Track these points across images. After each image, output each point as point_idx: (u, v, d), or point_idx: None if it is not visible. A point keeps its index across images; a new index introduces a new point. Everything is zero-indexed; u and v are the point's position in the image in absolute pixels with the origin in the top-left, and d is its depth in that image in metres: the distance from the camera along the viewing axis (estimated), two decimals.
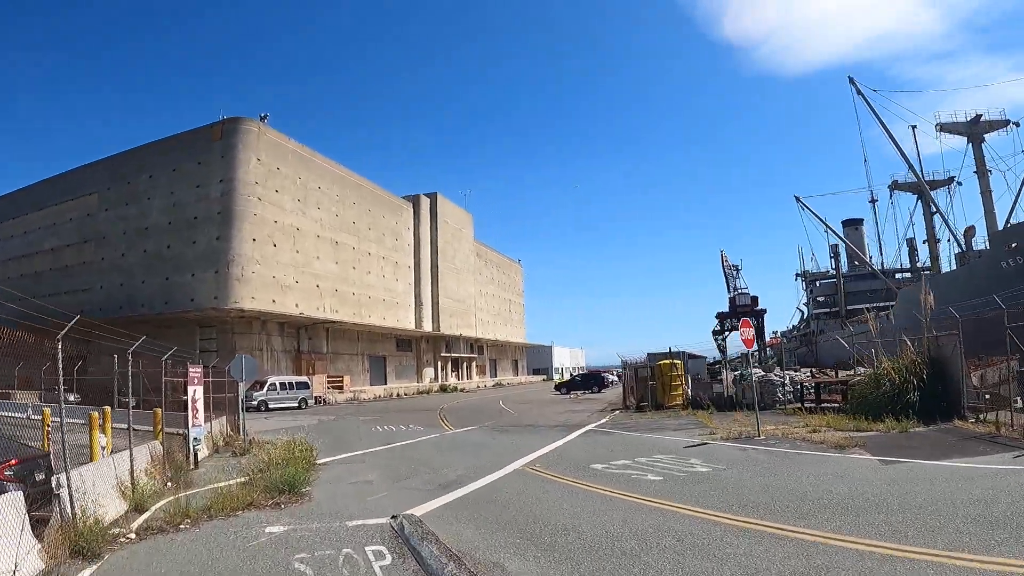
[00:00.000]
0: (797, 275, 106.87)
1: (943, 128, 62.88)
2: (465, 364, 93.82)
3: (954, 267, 63.18)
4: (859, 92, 74.61)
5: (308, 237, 61.50)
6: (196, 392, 17.99)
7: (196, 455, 17.20)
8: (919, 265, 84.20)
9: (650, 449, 18.22)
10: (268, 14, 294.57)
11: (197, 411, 17.93)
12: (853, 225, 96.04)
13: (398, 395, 66.66)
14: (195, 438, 17.30)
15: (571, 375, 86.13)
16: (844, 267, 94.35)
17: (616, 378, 65.69)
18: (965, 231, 64.89)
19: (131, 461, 12.55)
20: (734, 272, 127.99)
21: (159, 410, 17.08)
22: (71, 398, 49.53)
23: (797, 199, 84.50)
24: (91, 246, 62.03)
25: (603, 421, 28.66)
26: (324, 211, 64.40)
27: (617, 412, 33.91)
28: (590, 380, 64.11)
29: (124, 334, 15.31)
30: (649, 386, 34.43)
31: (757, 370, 33.08)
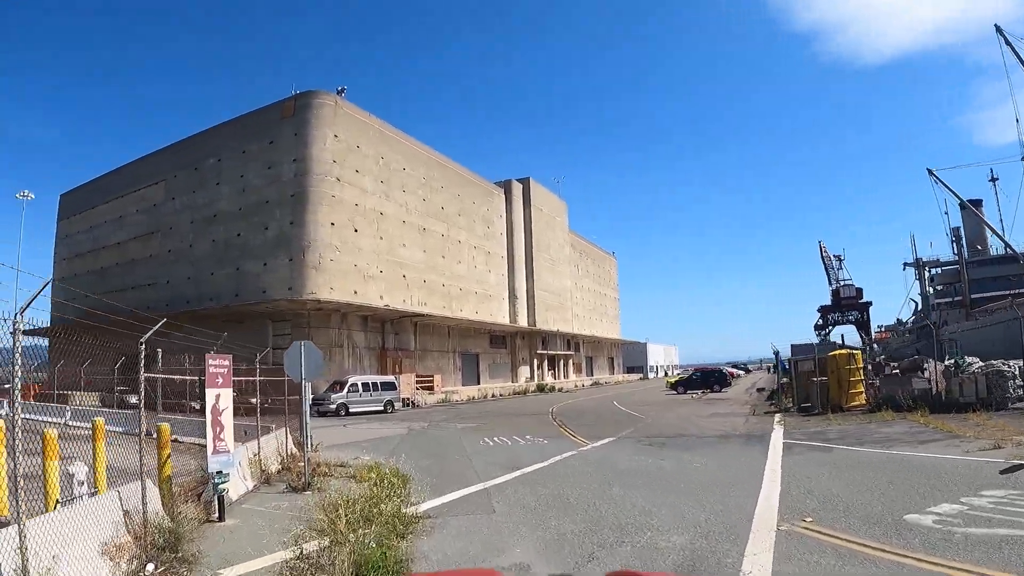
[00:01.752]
0: (906, 264, 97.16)
1: None
2: (561, 362, 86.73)
3: None
4: (1007, 42, 65.02)
5: (393, 222, 55.39)
6: (221, 398, 11.31)
7: (221, 500, 10.48)
8: None
9: (944, 477, 11.74)
10: None
11: (222, 429, 11.13)
12: (972, 206, 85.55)
13: (493, 396, 60.02)
14: (218, 472, 10.49)
15: (684, 373, 78.12)
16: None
17: (743, 373, 58.27)
18: None
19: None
20: (836, 263, 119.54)
21: (165, 427, 10.69)
22: (132, 400, 46.04)
23: (930, 172, 74.85)
24: (157, 238, 57.58)
25: (777, 430, 21.74)
26: (410, 194, 58.24)
27: (776, 416, 27.04)
28: (711, 378, 55.99)
29: (190, 330, 14.31)
30: (816, 383, 27.14)
31: (974, 359, 25.28)
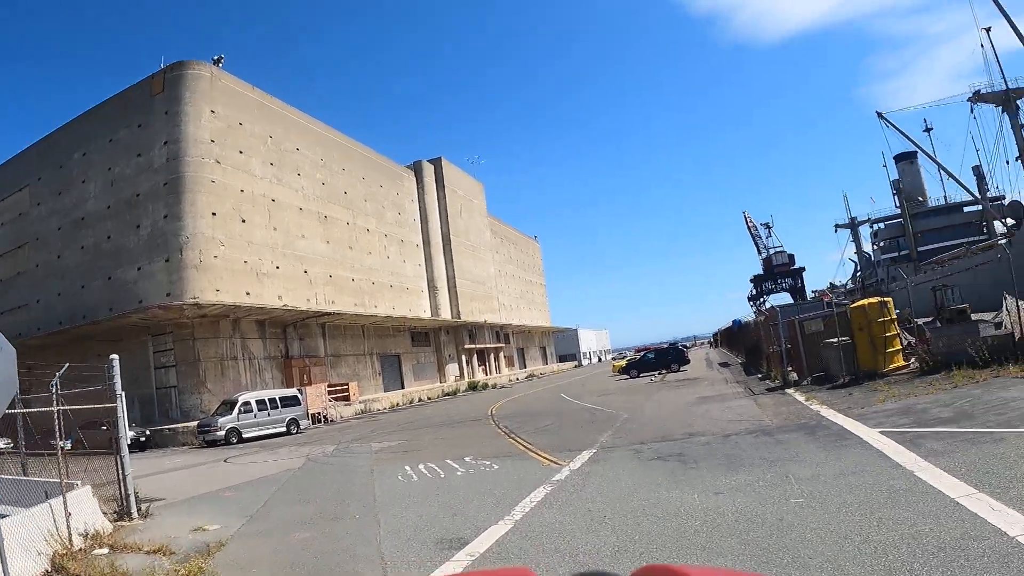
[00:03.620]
0: (838, 226, 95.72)
1: None
2: (492, 356, 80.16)
3: None
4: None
5: (288, 211, 48.14)
6: None
7: None
8: (993, 194, 71.50)
9: None
10: None
11: None
12: (906, 160, 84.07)
13: (420, 400, 53.23)
14: None
15: (631, 355, 72.51)
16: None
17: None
18: None
19: None
20: (764, 231, 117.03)
21: None
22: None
23: (879, 115, 71.80)
24: (25, 251, 49.33)
25: (830, 413, 15.71)
26: (306, 178, 51.03)
27: (794, 393, 21.18)
28: (667, 356, 49.82)
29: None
30: (836, 347, 21.29)
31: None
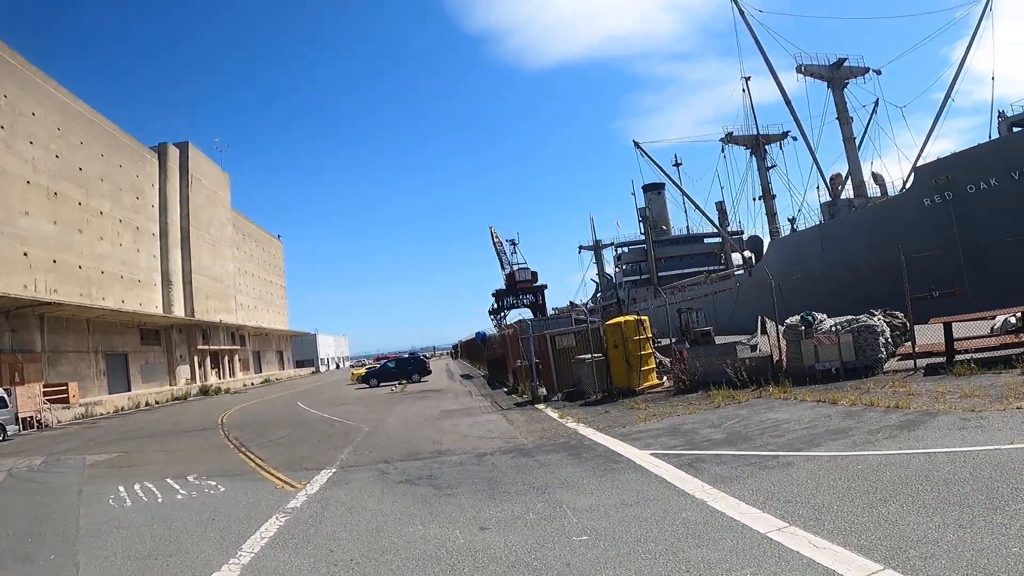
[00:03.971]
0: (582, 247, 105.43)
1: (805, 71, 56.62)
2: (227, 358, 75.02)
3: (817, 220, 58.17)
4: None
5: (14, 182, 42.08)
6: None
7: None
8: (733, 228, 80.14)
9: None
10: None
11: None
12: (655, 190, 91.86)
13: (148, 404, 48.42)
14: None
15: (370, 364, 70.92)
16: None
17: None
18: (832, 178, 60.25)
19: None
20: (510, 248, 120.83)
21: None
22: None
23: (636, 144, 76.95)
24: None
25: (592, 433, 15.32)
26: (39, 148, 44.95)
27: (546, 409, 20.92)
28: (407, 366, 49.04)
29: None
30: (588, 364, 21.52)
31: (822, 315, 20.62)
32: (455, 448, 15.06)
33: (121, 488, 13.53)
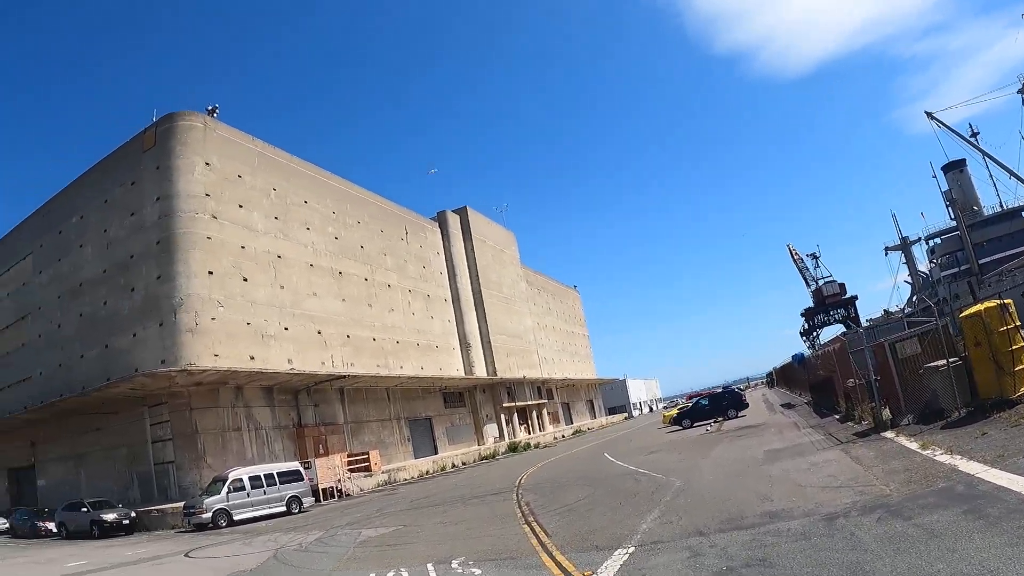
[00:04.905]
0: (888, 248, 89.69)
1: None
2: (534, 413, 75.05)
3: None
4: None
5: (296, 267, 44.46)
6: None
7: None
8: None
9: None
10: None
11: None
12: (956, 168, 78.49)
13: (453, 466, 48.65)
14: None
15: (682, 403, 67.33)
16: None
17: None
18: None
19: None
20: (811, 263, 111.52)
21: None
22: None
23: (929, 115, 66.84)
24: (28, 322, 46.61)
25: (964, 468, 10.81)
26: (316, 232, 47.45)
27: (895, 437, 16.30)
28: (722, 402, 44.67)
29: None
30: (944, 372, 16.30)
31: None
32: (791, 507, 11.22)
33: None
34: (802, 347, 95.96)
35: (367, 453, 42.74)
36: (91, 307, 41.03)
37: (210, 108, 41.59)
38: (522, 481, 26.97)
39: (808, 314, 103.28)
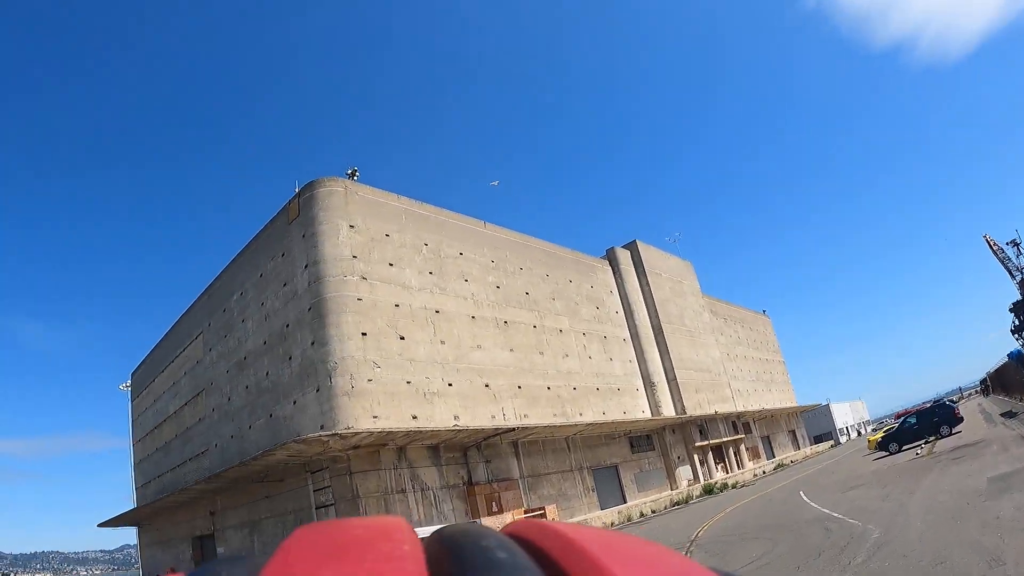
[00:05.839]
0: None
1: None
2: (731, 450, 69.66)
3: None
4: None
5: (457, 321, 43.11)
6: None
7: None
8: None
9: None
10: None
11: None
12: None
13: (641, 515, 45.26)
14: None
15: (889, 424, 60.88)
16: None
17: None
18: None
19: None
20: (1012, 251, 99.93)
21: None
22: None
23: None
24: (203, 397, 48.97)
25: None
26: (476, 283, 46.11)
27: None
28: (933, 418, 38.86)
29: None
30: None
31: None
32: None
33: None
34: (1016, 345, 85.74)
35: (543, 508, 40.26)
36: (255, 378, 41.85)
37: (350, 171, 41.50)
38: (699, 534, 23.57)
39: (1017, 308, 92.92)
